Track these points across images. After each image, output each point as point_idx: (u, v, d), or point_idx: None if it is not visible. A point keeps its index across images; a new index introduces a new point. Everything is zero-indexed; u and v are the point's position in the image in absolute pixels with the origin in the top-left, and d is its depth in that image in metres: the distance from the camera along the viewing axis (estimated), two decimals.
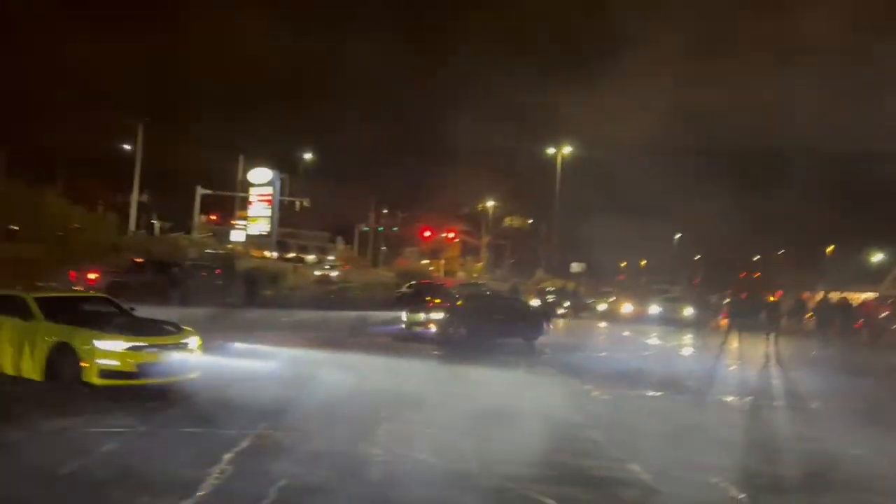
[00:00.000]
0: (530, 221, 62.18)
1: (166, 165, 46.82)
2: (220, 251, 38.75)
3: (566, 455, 7.20)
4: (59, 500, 5.36)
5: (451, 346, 16.40)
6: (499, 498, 5.79)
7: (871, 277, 68.85)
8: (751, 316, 23.74)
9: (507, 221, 62.31)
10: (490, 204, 62.32)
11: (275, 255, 55.11)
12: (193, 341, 9.40)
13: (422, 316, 19.10)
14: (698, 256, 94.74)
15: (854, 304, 27.49)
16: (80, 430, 7.05)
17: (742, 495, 6.03)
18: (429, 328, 18.38)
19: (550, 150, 43.18)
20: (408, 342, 17.41)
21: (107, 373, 8.29)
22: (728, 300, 31.73)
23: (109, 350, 8.39)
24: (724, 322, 30.05)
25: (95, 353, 8.34)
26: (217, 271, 28.05)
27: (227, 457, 6.33)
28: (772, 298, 34.83)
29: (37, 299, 9.26)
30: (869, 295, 47.79)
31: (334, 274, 40.56)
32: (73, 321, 8.88)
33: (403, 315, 19.88)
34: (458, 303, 19.69)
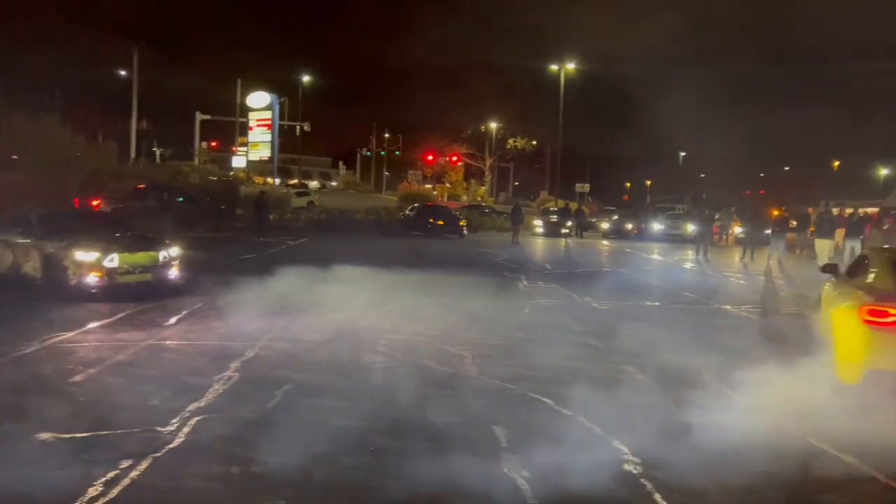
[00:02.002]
0: (534, 143, 61.39)
1: (165, 92, 46.08)
2: (223, 178, 38.65)
3: (564, 359, 7.43)
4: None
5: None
6: (499, 397, 6.00)
7: (878, 192, 68.52)
8: (756, 231, 23.81)
9: (511, 143, 61.55)
10: (493, 126, 61.45)
11: (276, 181, 54.99)
12: (173, 253, 11.41)
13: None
14: (703, 175, 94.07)
15: (856, 216, 27.35)
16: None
17: (726, 388, 6.23)
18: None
19: (554, 67, 42.20)
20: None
21: (80, 276, 10.42)
22: (732, 217, 31.74)
23: (83, 260, 10.43)
24: (727, 238, 30.22)
25: (74, 261, 10.44)
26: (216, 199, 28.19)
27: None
28: (776, 213, 34.87)
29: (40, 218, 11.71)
30: (873, 208, 47.62)
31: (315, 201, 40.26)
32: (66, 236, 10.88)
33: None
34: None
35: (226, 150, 59.63)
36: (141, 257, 10.90)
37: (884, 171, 75.29)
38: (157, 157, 49.63)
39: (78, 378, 6.21)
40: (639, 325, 9.52)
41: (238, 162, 52.35)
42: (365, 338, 8.10)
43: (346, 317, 9.21)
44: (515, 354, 7.65)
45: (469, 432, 5.04)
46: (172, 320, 8.98)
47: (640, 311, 10.91)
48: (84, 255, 10.36)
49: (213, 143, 57.85)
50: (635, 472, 4.37)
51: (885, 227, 25.57)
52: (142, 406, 5.44)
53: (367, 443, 4.82)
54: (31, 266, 10.75)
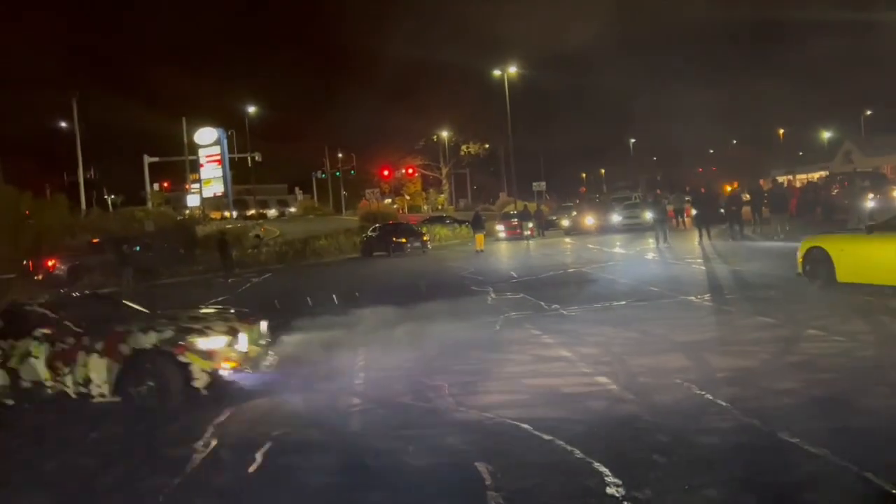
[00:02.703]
0: (487, 146, 61.88)
1: (110, 138, 45.45)
2: (179, 220, 38.15)
3: (538, 377, 7.53)
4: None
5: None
6: (479, 428, 6.05)
7: (826, 155, 70.45)
8: (712, 210, 24.26)
9: (465, 149, 61.98)
10: (445, 134, 61.76)
11: (234, 214, 54.48)
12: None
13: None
14: (655, 158, 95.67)
15: (806, 186, 28.16)
16: None
17: (704, 392, 6.38)
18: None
19: (496, 72, 42.60)
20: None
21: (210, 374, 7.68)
22: (684, 199, 32.33)
23: (213, 348, 7.79)
24: (683, 221, 30.73)
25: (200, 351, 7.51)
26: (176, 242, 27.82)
27: None
28: (728, 189, 35.66)
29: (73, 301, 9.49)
30: (821, 174, 49.00)
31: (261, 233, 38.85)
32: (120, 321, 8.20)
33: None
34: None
35: (178, 190, 58.92)
36: (256, 330, 8.30)
37: (827, 135, 77.45)
38: (110, 205, 48.83)
39: None
40: (605, 329, 9.69)
41: (193, 200, 51.80)
42: (340, 379, 8.09)
43: (316, 357, 9.16)
44: (491, 378, 7.72)
45: (451, 474, 5.09)
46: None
47: (606, 314, 11.07)
48: (211, 342, 7.42)
49: (166, 184, 57.18)
50: (618, 494, 4.46)
51: (835, 193, 26.35)
52: None
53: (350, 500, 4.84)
54: (85, 376, 7.34)
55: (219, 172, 49.04)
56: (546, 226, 35.04)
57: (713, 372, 7.08)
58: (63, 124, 42.73)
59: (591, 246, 25.87)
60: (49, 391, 7.41)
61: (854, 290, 10.33)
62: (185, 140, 48.64)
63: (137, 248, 25.07)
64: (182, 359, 7.21)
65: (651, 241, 23.79)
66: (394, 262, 25.67)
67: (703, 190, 35.51)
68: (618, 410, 6.15)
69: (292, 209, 74.29)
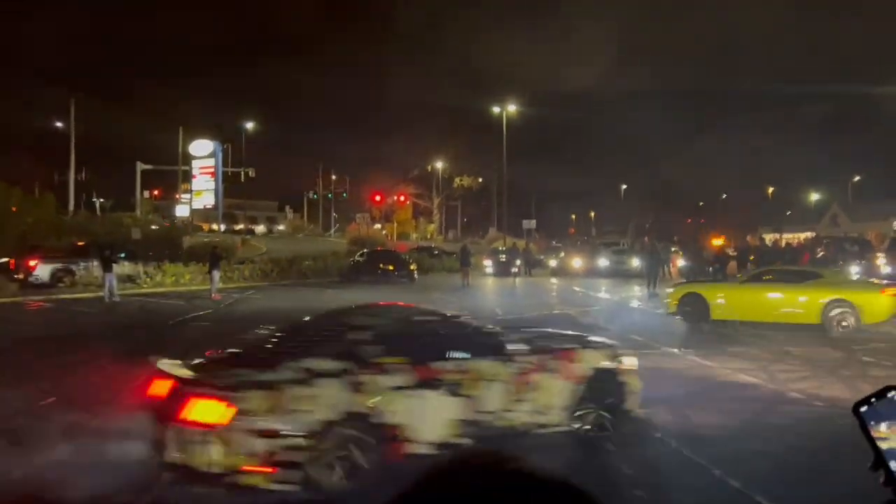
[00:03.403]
0: (480, 180, 62.27)
1: (104, 142, 45.36)
2: (165, 228, 37.90)
3: None
4: None
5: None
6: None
7: (812, 217, 71.42)
8: (699, 262, 24.51)
9: (458, 181, 62.31)
10: (439, 165, 62.12)
11: (222, 227, 54.24)
12: None
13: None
14: (646, 205, 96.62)
15: (792, 245, 28.50)
16: None
17: (674, 441, 6.36)
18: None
19: (495, 109, 43.06)
20: None
21: None
22: (670, 250, 32.63)
23: None
24: (670, 270, 30.96)
25: None
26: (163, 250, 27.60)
27: None
28: (717, 243, 36.01)
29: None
30: (808, 234, 49.67)
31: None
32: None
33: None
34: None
35: (169, 199, 58.67)
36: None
37: (815, 197, 78.56)
38: (98, 208, 48.50)
39: None
40: None
41: (182, 210, 51.48)
42: None
43: None
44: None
45: None
46: None
47: None
48: (632, 360, 7.09)
49: (156, 192, 56.91)
50: None
51: (819, 255, 26.68)
52: None
53: None
54: (545, 401, 6.26)
55: (211, 185, 48.79)
56: (533, 265, 35.11)
57: (694, 429, 7.08)
58: (59, 124, 42.59)
59: (576, 288, 25.92)
60: (500, 423, 6.02)
61: (724, 324, 14.17)
62: (180, 150, 48.54)
63: (122, 255, 24.82)
64: (621, 378, 6.70)
65: (637, 289, 23.89)
66: (380, 289, 25.56)
67: (688, 242, 35.83)
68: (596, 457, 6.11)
69: (281, 227, 74.12)
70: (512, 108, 42.92)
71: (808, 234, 49.15)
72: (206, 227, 53.40)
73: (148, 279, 24.36)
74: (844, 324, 12.92)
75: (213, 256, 22.58)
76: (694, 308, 14.42)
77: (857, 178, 77.45)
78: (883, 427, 1.05)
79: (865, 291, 13.61)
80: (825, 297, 13.29)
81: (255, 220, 69.88)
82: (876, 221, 54.76)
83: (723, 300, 14.32)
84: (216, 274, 22.04)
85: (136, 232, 30.63)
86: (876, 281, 15.47)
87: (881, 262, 24.46)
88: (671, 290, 15.80)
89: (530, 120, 51.18)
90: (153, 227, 38.96)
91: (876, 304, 12.99)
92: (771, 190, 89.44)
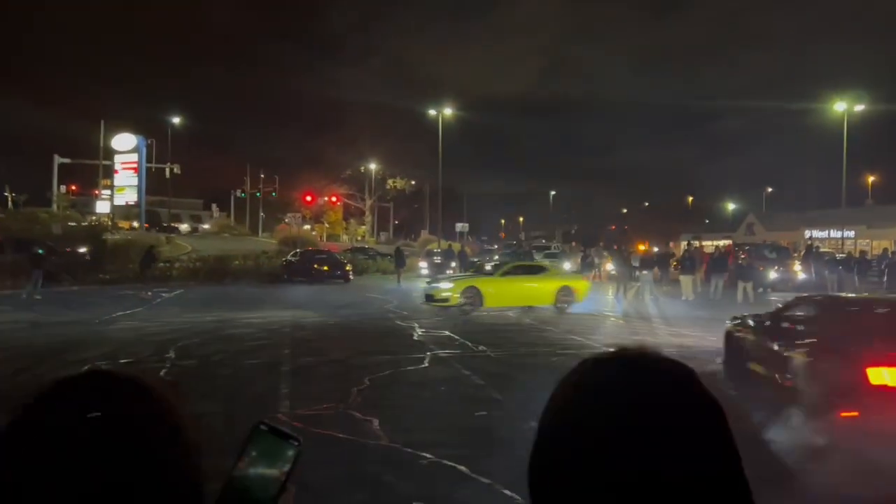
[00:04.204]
0: (413, 183, 62.27)
1: (19, 133, 42.95)
2: (87, 224, 36.24)
3: (472, 419, 7.49)
4: None
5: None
6: (417, 469, 5.94)
7: (729, 225, 74.63)
8: (626, 267, 25.14)
9: (391, 183, 62.07)
10: (372, 166, 61.76)
11: (144, 225, 52.28)
12: None
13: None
14: (572, 211, 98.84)
15: (716, 253, 29.59)
16: None
17: None
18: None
19: (432, 112, 43.15)
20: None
21: None
22: (602, 254, 33.43)
23: None
24: (600, 274, 31.75)
25: None
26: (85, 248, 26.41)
27: None
28: (641, 248, 37.10)
29: None
30: (726, 242, 51.79)
31: None
32: None
33: None
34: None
35: (87, 194, 56.16)
36: None
37: (732, 207, 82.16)
38: (10, 203, 45.87)
39: None
40: (531, 371, 9.82)
41: (102, 207, 49.34)
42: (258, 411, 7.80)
43: (234, 394, 8.81)
44: (425, 414, 7.63)
45: None
46: None
47: (533, 358, 11.21)
48: None
49: (73, 188, 54.36)
50: None
51: (741, 261, 27.80)
52: None
53: None
54: None
55: (134, 181, 47.02)
56: (468, 267, 35.27)
57: None
58: None
59: None
60: None
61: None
62: (102, 144, 46.58)
63: (40, 252, 23.59)
64: None
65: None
66: (315, 289, 25.18)
67: (615, 247, 36.80)
68: None
69: (206, 226, 72.07)
70: (448, 112, 43.11)
71: (726, 242, 51.22)
72: (126, 224, 51.34)
73: (70, 276, 23.25)
74: (567, 301, 18.13)
75: (147, 255, 21.85)
76: (474, 298, 17.74)
77: (769, 190, 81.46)
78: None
79: (578, 280, 20.15)
80: (556, 285, 18.41)
81: (178, 219, 67.66)
82: (788, 231, 57.70)
83: (492, 291, 17.98)
84: (148, 272, 21.32)
85: (56, 228, 29.16)
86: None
87: (797, 269, 25.72)
88: (452, 284, 18.58)
89: (462, 124, 51.58)
90: (70, 223, 37.17)
91: (584, 288, 18.95)
92: (690, 199, 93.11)
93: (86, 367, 0.85)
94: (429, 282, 20.41)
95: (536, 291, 18.34)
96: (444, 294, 18.03)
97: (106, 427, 0.72)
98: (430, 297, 18.34)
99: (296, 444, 0.80)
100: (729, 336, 9.46)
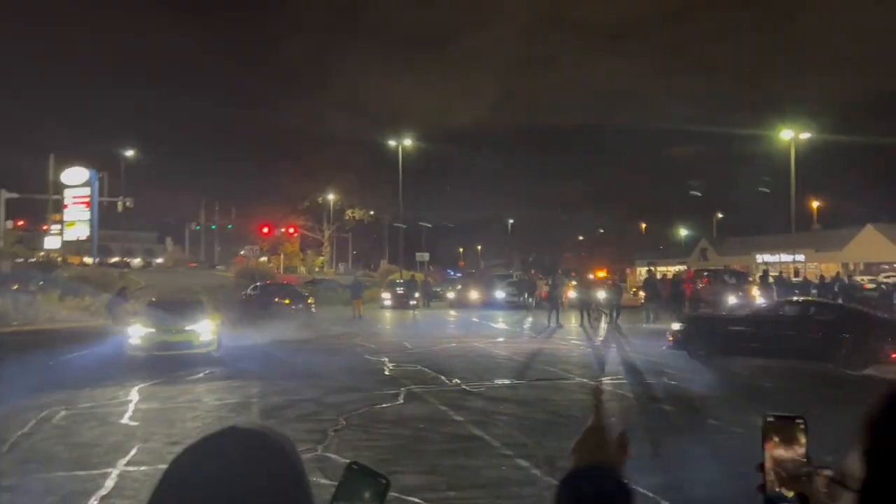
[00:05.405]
0: (372, 213, 62.05)
1: None
2: (38, 259, 35.04)
3: (456, 457, 7.32)
4: None
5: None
6: None
7: (683, 252, 76.16)
8: (588, 294, 25.44)
9: (350, 214, 61.75)
10: (331, 197, 61.40)
11: (95, 260, 50.79)
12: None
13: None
14: (528, 240, 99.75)
15: (676, 279, 30.10)
16: None
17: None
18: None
19: (391, 143, 43.24)
20: None
21: None
22: (564, 281, 33.68)
23: None
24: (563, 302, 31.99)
25: None
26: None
27: None
28: (600, 276, 37.51)
29: None
30: (680, 267, 52.75)
31: None
32: None
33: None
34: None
35: (34, 229, 54.39)
36: None
37: (684, 233, 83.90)
38: None
39: None
40: (510, 405, 9.71)
41: (52, 242, 47.71)
42: None
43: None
44: (407, 457, 7.44)
45: None
46: None
47: (509, 391, 11.12)
48: None
49: (21, 223, 52.61)
50: None
51: (700, 287, 28.33)
52: None
53: None
54: None
55: (86, 215, 45.59)
56: (431, 297, 35.19)
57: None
58: None
59: (475, 319, 26.17)
60: None
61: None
62: (51, 178, 45.19)
63: None
64: None
65: (530, 320, 24.46)
66: (276, 324, 24.69)
67: (573, 274, 37.10)
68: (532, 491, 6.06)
69: (159, 260, 70.47)
70: (407, 143, 43.26)
71: (680, 267, 52.13)
72: (76, 259, 49.80)
73: (18, 315, 22.37)
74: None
75: (120, 293, 21.12)
76: None
77: (720, 216, 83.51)
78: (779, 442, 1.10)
79: None
80: None
81: (131, 253, 66.03)
82: (740, 255, 59.13)
83: None
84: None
85: (4, 265, 28.09)
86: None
87: (755, 293, 26.30)
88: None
89: (418, 155, 51.69)
90: (18, 259, 35.93)
91: None
92: (644, 225, 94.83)
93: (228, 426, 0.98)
94: None
95: None
96: None
97: (249, 478, 0.87)
98: None
99: (384, 481, 0.97)
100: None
